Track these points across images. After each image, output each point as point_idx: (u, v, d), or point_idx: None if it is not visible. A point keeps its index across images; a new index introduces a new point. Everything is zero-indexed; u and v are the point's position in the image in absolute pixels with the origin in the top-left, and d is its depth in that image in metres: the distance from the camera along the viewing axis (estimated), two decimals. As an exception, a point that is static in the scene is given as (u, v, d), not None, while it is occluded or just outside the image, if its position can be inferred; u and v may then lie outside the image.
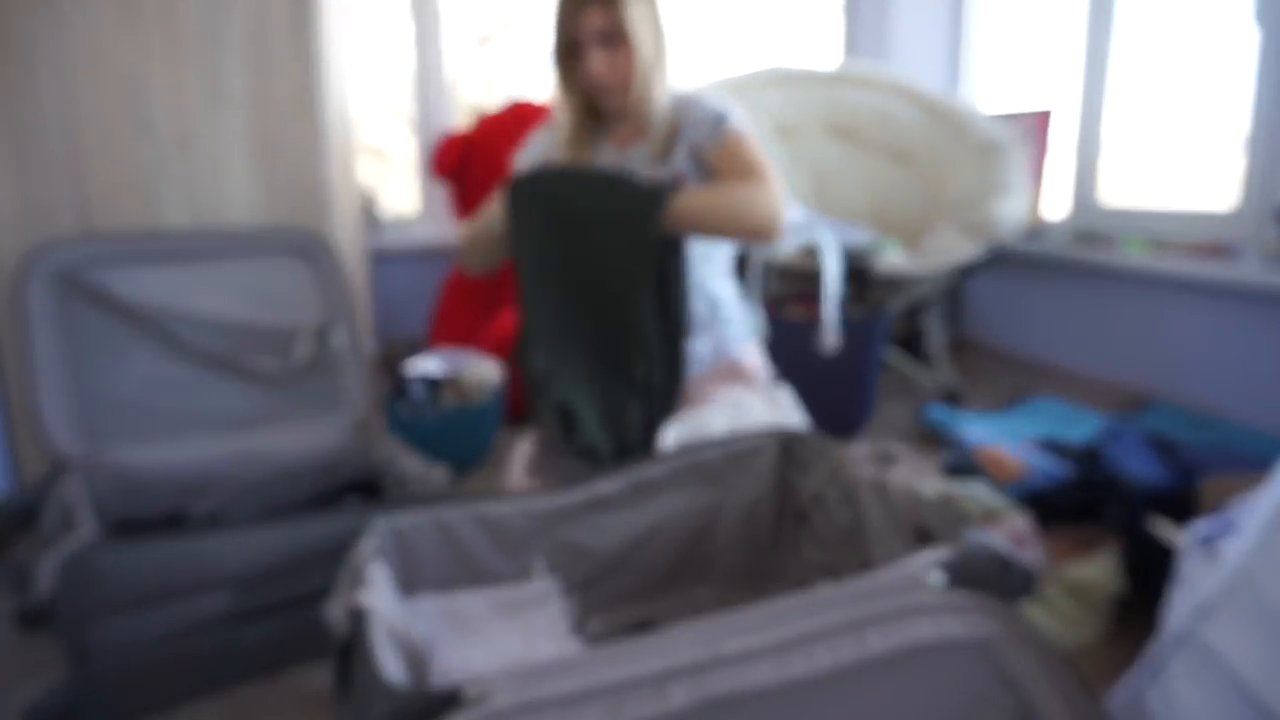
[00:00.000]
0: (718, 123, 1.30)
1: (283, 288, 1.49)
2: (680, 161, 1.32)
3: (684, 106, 1.33)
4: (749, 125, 1.32)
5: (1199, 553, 0.78)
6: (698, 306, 1.36)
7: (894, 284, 2.20)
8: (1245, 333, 1.90)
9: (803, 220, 2.07)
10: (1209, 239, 2.06)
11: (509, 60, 3.22)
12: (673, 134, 1.32)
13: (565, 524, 1.07)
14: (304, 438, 1.44)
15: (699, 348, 1.37)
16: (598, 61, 1.25)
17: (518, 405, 1.97)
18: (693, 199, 1.20)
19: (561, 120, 1.34)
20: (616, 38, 1.24)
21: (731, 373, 1.39)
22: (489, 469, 1.85)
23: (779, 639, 0.66)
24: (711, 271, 1.38)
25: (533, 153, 1.41)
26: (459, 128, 2.71)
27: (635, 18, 1.23)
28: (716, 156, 1.29)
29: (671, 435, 1.21)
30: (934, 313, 2.62)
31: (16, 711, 0.96)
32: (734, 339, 1.41)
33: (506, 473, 1.31)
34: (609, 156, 1.36)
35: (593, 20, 1.23)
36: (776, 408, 1.32)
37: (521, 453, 1.33)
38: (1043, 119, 2.55)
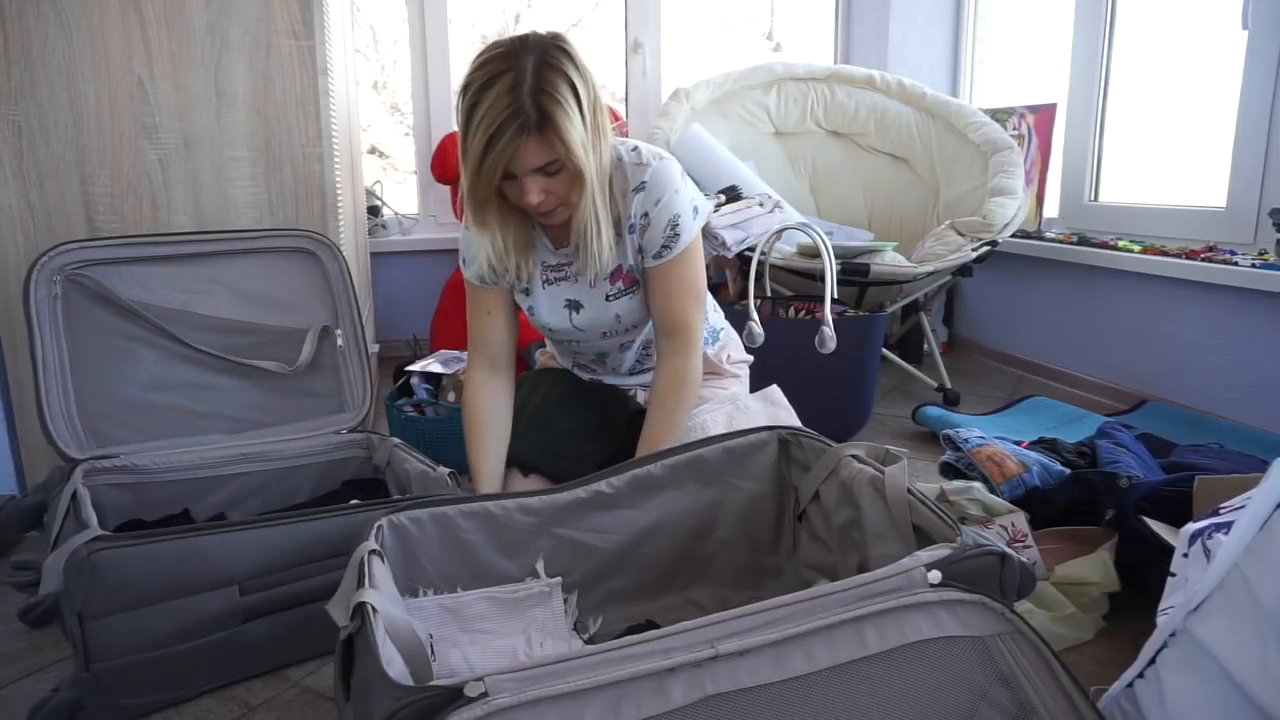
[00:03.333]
0: (671, 234, 1.20)
1: (286, 289, 1.50)
2: (625, 258, 1.24)
3: (628, 188, 1.20)
4: (692, 225, 1.22)
5: (1192, 551, 0.79)
6: None
7: (892, 285, 2.21)
8: (1239, 333, 1.91)
9: (802, 221, 2.07)
10: (1202, 238, 2.07)
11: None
12: (615, 224, 1.21)
13: (565, 523, 1.08)
14: (307, 438, 1.44)
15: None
16: (535, 192, 1.09)
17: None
18: (658, 443, 1.19)
19: (490, 253, 1.19)
20: (555, 165, 1.08)
21: (715, 370, 1.42)
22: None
23: (778, 637, 0.67)
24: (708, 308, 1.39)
25: (473, 261, 1.26)
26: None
27: (576, 144, 1.06)
28: (658, 274, 1.22)
29: None
30: (932, 313, 2.62)
31: (23, 708, 0.97)
32: (720, 345, 1.44)
33: (506, 472, 1.32)
34: (551, 260, 1.28)
35: (528, 155, 1.05)
36: (772, 405, 1.33)
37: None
38: (1045, 115, 2.55)
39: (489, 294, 1.29)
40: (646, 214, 1.20)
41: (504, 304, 1.31)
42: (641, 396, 1.43)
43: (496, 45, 1.06)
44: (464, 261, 1.29)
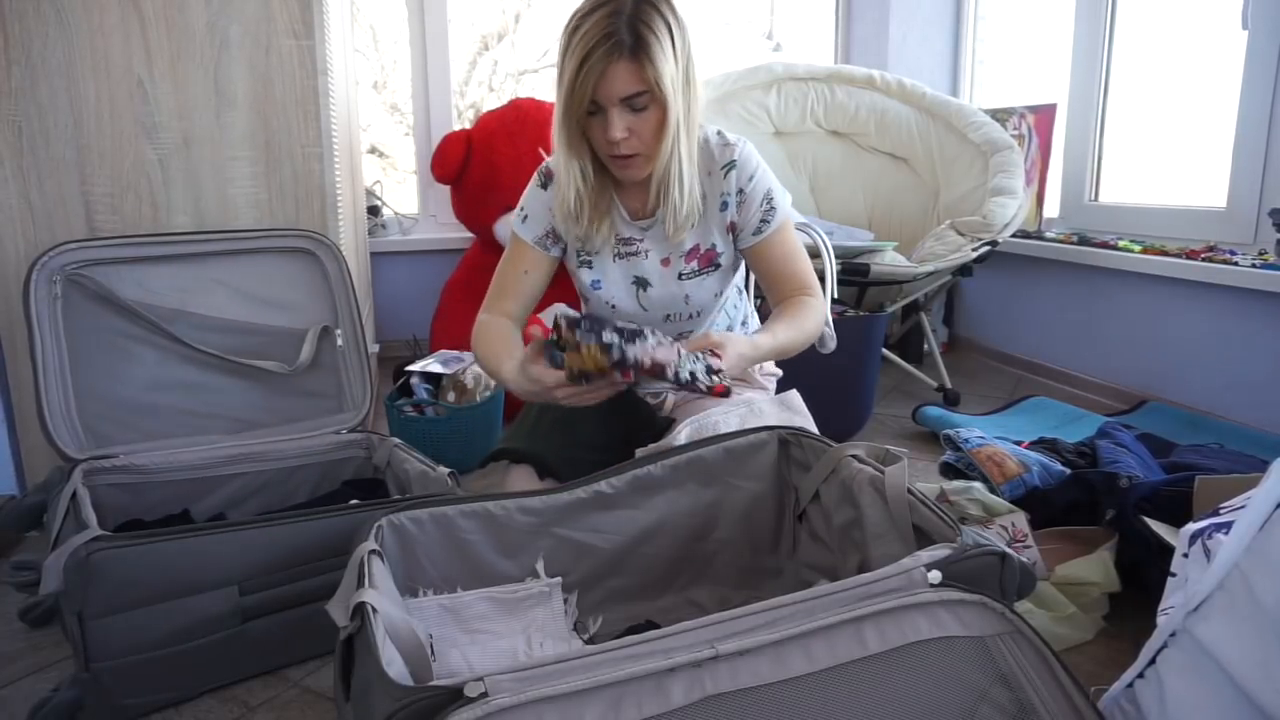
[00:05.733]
0: (768, 208, 1.22)
1: (286, 288, 1.50)
2: (708, 236, 1.25)
3: (716, 166, 1.22)
4: (785, 198, 1.24)
5: (1192, 551, 0.79)
6: (719, 326, 1.37)
7: (892, 285, 2.21)
8: (1239, 333, 1.91)
9: (802, 221, 2.07)
10: (1202, 238, 2.07)
11: (510, 61, 3.22)
12: (700, 201, 1.22)
13: (565, 523, 1.07)
14: (307, 438, 1.44)
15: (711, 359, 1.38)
16: (620, 126, 1.09)
17: (518, 405, 1.98)
18: (771, 346, 1.18)
19: (569, 193, 1.19)
20: (644, 99, 1.09)
21: (743, 378, 1.41)
22: (490, 468, 1.86)
23: (778, 637, 0.67)
24: (733, 293, 1.38)
25: (536, 220, 1.28)
26: (460, 127, 2.71)
27: (666, 76, 1.07)
28: (764, 247, 1.24)
29: (684, 435, 1.22)
30: (932, 313, 2.62)
31: (23, 708, 0.97)
32: None
33: (507, 472, 1.32)
34: (625, 232, 1.27)
35: (619, 80, 1.07)
36: (788, 410, 1.32)
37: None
38: (1046, 115, 2.55)
39: (535, 254, 1.29)
40: (741, 190, 1.22)
41: (544, 270, 1.30)
42: (671, 400, 1.42)
43: None
44: (524, 218, 1.28)
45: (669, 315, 1.31)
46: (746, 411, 1.28)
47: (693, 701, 0.63)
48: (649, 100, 1.09)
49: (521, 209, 1.29)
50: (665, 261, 1.27)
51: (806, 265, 1.28)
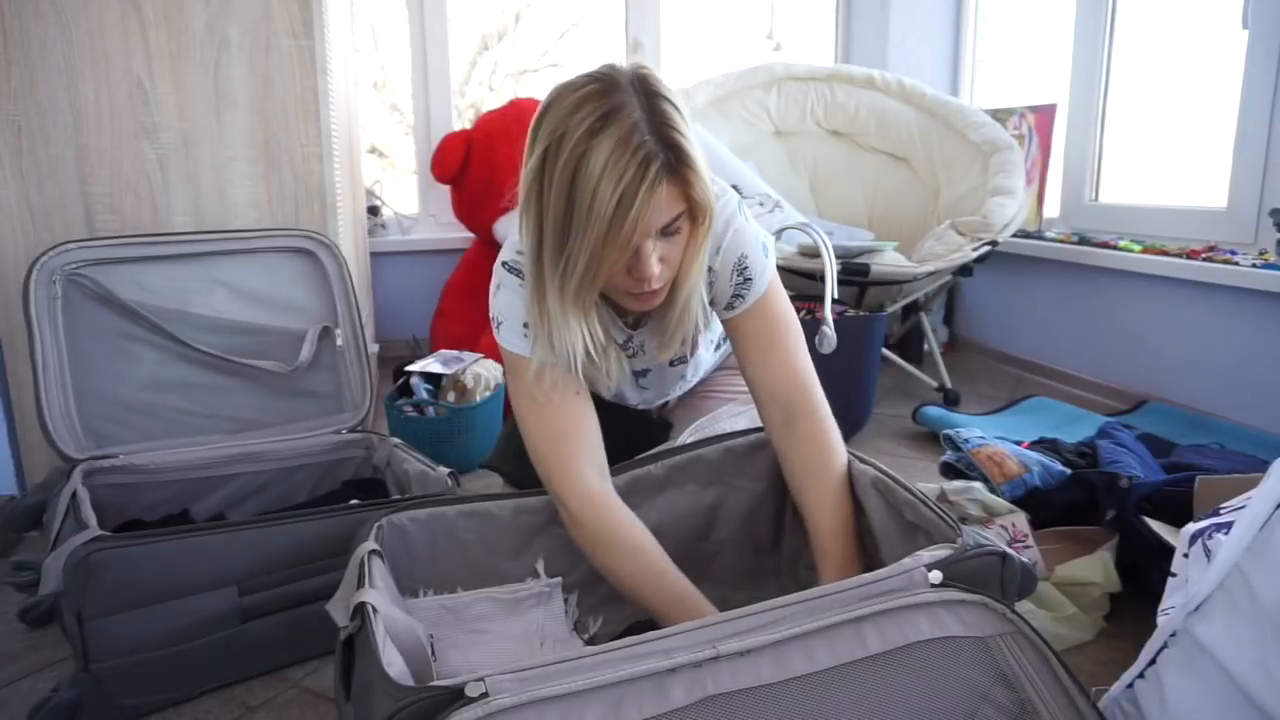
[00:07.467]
0: (740, 280, 1.01)
1: (285, 289, 1.50)
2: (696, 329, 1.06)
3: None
4: (764, 262, 1.02)
5: (1192, 551, 0.79)
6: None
7: (892, 285, 2.20)
8: (1239, 333, 1.91)
9: (802, 220, 2.07)
10: (1202, 238, 2.07)
11: (510, 61, 3.22)
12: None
13: (566, 523, 1.07)
14: (306, 438, 1.44)
15: (710, 357, 1.38)
16: (656, 260, 0.87)
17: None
18: (854, 542, 0.96)
19: (573, 355, 0.95)
20: (679, 221, 0.87)
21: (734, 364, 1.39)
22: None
23: (779, 637, 0.67)
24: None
25: (565, 349, 0.96)
26: (460, 127, 2.71)
27: (709, 183, 0.87)
28: (739, 322, 1.04)
29: (690, 438, 1.21)
30: (932, 313, 2.62)
31: (23, 708, 0.97)
32: None
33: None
34: (620, 337, 1.10)
35: (663, 208, 0.84)
36: None
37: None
38: (1046, 115, 2.55)
39: (573, 378, 1.01)
40: (711, 268, 1.01)
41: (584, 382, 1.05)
42: (674, 402, 1.40)
43: (577, 86, 0.85)
44: (547, 347, 0.96)
45: (666, 393, 1.27)
46: (752, 411, 1.28)
47: (693, 702, 0.63)
48: (684, 219, 0.88)
49: (526, 330, 1.00)
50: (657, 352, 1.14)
51: (794, 344, 1.03)
